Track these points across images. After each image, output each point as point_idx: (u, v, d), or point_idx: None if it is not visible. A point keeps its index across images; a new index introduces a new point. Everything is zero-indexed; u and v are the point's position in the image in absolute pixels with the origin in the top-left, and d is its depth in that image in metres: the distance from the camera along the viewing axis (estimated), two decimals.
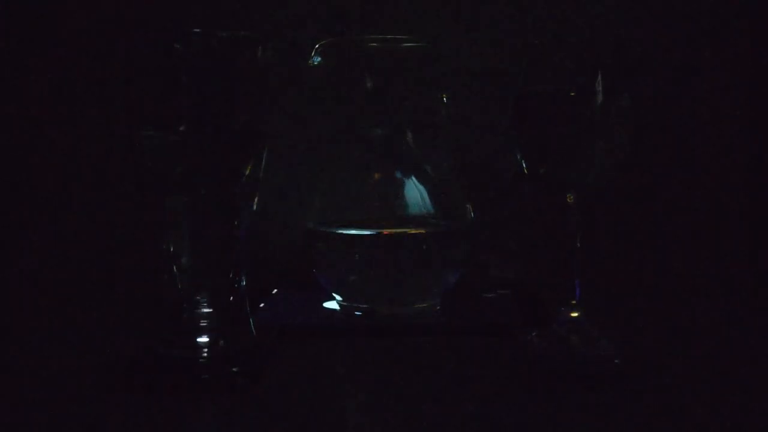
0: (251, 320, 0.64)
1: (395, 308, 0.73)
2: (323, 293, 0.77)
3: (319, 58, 0.72)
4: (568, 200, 0.63)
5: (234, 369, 0.59)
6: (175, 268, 0.61)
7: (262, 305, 0.77)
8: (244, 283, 0.63)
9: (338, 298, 0.75)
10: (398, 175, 0.74)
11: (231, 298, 0.62)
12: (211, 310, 0.62)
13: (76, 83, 0.89)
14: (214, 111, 0.60)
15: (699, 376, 0.60)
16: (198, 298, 0.62)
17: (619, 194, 0.85)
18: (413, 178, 0.74)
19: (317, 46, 0.72)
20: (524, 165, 0.64)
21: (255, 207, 0.63)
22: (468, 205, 0.75)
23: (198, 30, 0.59)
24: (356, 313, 0.73)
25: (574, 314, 0.64)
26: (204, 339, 0.61)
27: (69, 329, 0.73)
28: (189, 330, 0.61)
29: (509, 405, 0.55)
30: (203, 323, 0.61)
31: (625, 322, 0.73)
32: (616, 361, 0.61)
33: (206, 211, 0.61)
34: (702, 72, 0.88)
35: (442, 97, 0.76)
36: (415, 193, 0.74)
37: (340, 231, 0.73)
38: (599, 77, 0.60)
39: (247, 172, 0.62)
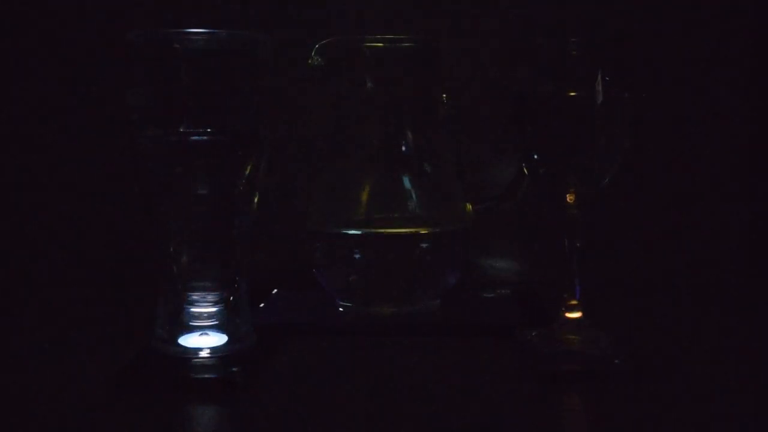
0: (251, 320, 0.64)
1: (395, 308, 0.73)
2: (323, 293, 0.76)
3: (319, 58, 0.72)
4: (568, 200, 0.63)
5: (234, 369, 0.59)
6: (175, 268, 0.61)
7: (262, 305, 0.77)
8: (244, 283, 0.63)
9: (338, 298, 0.75)
10: (398, 175, 0.74)
11: (231, 298, 0.62)
12: (211, 309, 0.62)
13: (76, 83, 0.89)
14: (214, 111, 0.60)
15: (699, 375, 0.60)
16: (198, 297, 0.62)
17: (619, 194, 0.85)
18: (413, 178, 0.74)
19: (317, 46, 0.72)
20: (524, 165, 0.64)
21: (255, 207, 0.63)
22: (468, 205, 0.75)
23: (198, 30, 0.59)
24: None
25: (574, 314, 0.64)
26: (204, 339, 0.61)
27: (68, 329, 0.73)
28: (188, 329, 0.61)
29: (509, 405, 0.55)
30: (203, 323, 0.62)
31: (625, 322, 0.73)
32: (616, 361, 0.61)
33: (206, 211, 0.61)
34: (702, 71, 0.88)
35: (442, 97, 0.76)
36: (415, 193, 0.74)
37: (340, 231, 0.73)
38: (599, 77, 0.60)
39: (247, 172, 0.62)
